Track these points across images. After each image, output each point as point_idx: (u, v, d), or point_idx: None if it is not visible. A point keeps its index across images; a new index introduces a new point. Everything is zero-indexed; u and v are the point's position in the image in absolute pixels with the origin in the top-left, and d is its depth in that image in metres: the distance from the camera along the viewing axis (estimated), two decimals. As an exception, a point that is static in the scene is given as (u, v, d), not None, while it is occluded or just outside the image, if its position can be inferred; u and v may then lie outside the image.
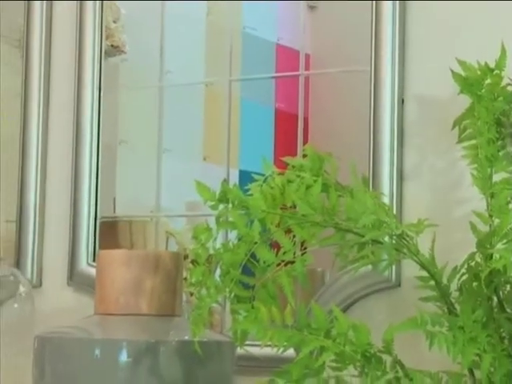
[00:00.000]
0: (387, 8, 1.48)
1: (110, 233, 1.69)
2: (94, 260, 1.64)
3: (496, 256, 1.13)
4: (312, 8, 1.62)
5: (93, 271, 1.54)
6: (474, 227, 1.22)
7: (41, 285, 1.70)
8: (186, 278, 1.35)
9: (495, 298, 1.21)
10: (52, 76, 1.73)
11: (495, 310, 1.21)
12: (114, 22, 1.73)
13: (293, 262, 1.20)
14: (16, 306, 1.57)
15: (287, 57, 1.65)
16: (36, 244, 1.71)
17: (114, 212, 1.71)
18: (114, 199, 1.72)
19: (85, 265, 1.67)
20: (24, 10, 1.74)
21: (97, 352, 1.33)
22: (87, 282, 1.61)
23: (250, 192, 1.20)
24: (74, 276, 1.68)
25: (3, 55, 1.83)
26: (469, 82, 1.26)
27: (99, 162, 1.68)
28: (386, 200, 1.42)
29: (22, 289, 1.58)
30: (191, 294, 1.24)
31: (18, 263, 1.69)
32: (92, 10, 1.69)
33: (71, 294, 1.67)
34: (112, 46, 1.72)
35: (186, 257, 1.36)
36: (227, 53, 1.64)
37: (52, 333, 1.38)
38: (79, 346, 1.35)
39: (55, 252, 1.69)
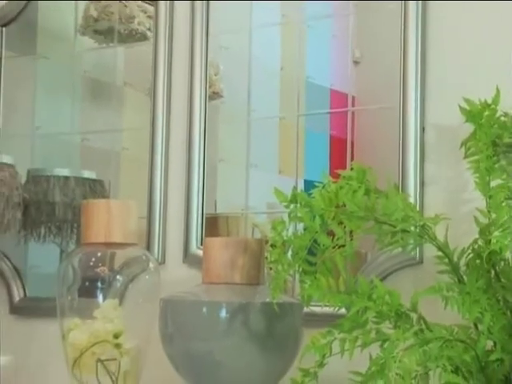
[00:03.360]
0: (411, 61, 1.47)
1: (212, 225, 1.70)
2: (201, 244, 1.65)
3: (493, 241, 1.12)
4: (356, 63, 1.61)
5: (201, 252, 1.55)
6: (477, 220, 1.21)
7: (164, 262, 1.71)
8: (266, 257, 1.35)
9: (493, 272, 1.19)
10: (171, 116, 1.74)
11: (493, 280, 1.19)
12: (215, 75, 1.73)
13: (344, 246, 1.19)
14: (147, 277, 1.58)
15: (338, 98, 1.64)
16: (161, 233, 1.72)
17: (215, 210, 1.72)
18: (215, 201, 1.73)
19: (195, 248, 1.67)
20: (152, 68, 1.75)
21: (204, 310, 1.34)
22: (197, 261, 1.61)
23: (312, 195, 1.20)
24: (187, 256, 1.68)
25: (138, 101, 1.85)
26: (472, 114, 1.25)
27: (205, 175, 1.68)
28: (411, 200, 1.41)
29: (151, 265, 1.59)
30: (270, 269, 1.23)
31: (148, 247, 1.71)
32: (199, 67, 1.70)
33: (186, 269, 1.68)
34: (213, 92, 1.73)
35: (266, 242, 1.36)
36: (295, 95, 1.63)
37: (173, 296, 1.39)
38: (192, 305, 1.36)
39: (174, 239, 1.70)
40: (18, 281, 1.85)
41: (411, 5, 1.48)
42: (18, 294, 1.84)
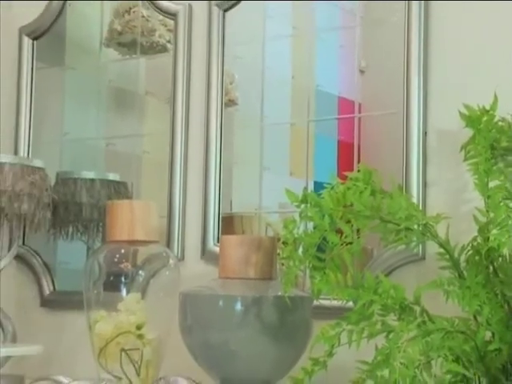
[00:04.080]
0: (414, 70, 1.46)
1: (228, 224, 1.69)
2: (218, 242, 1.64)
3: (492, 238, 1.11)
4: (362, 72, 1.61)
5: (217, 249, 1.55)
6: (476, 219, 1.20)
7: (183, 258, 1.71)
8: (279, 254, 1.34)
9: (491, 267, 1.19)
10: (190, 122, 1.74)
11: (491, 275, 1.18)
12: (230, 83, 1.73)
13: (351, 243, 1.19)
14: (167, 273, 1.58)
15: (345, 105, 1.63)
16: (180, 231, 1.71)
17: (231, 210, 1.71)
18: (231, 201, 1.72)
19: (212, 245, 1.67)
20: (171, 77, 1.75)
21: (220, 303, 1.34)
22: (214, 257, 1.61)
23: (322, 196, 1.19)
24: (205, 252, 1.68)
25: (158, 108, 1.85)
26: (471, 119, 1.24)
27: (221, 177, 1.68)
28: (414, 200, 1.40)
29: (171, 261, 1.59)
30: (282, 265, 1.23)
31: (169, 244, 1.70)
32: (216, 76, 1.70)
33: (203, 265, 1.67)
34: (229, 100, 1.72)
35: (279, 240, 1.35)
36: (305, 102, 1.62)
37: (191, 290, 1.39)
38: (209, 299, 1.36)
39: (193, 236, 1.70)
40: (48, 276, 1.85)
41: (414, 17, 1.47)
42: (48, 288, 1.85)
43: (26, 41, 1.93)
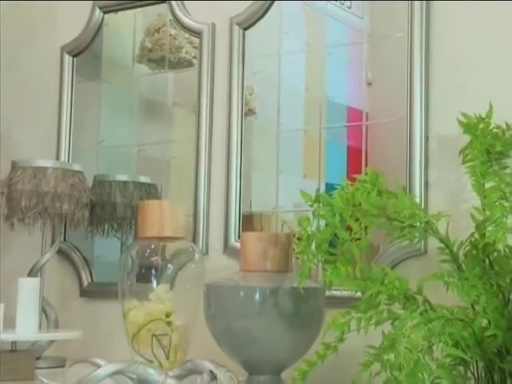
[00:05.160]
0: (417, 81, 1.46)
1: (248, 222, 1.69)
2: (239, 238, 1.64)
3: (488, 234, 1.10)
4: (369, 84, 1.60)
5: (238, 245, 1.55)
6: (473, 217, 1.19)
7: (207, 253, 1.71)
8: (294, 249, 1.34)
9: (487, 260, 1.18)
10: (213, 130, 1.74)
11: (487, 267, 1.18)
12: (250, 94, 1.73)
13: (360, 239, 1.18)
14: (193, 266, 1.58)
15: (354, 114, 1.63)
16: (204, 228, 1.71)
17: (251, 209, 1.71)
18: (250, 201, 1.72)
19: (233, 241, 1.67)
20: (196, 90, 1.75)
21: (241, 293, 1.34)
22: (235, 252, 1.61)
23: (333, 196, 1.19)
24: (227, 248, 1.68)
25: (185, 117, 1.85)
26: (469, 126, 1.23)
27: (241, 179, 1.68)
28: (417, 200, 1.40)
29: (196, 256, 1.59)
30: (297, 259, 1.22)
31: (194, 240, 1.71)
32: (236, 88, 1.70)
33: (225, 259, 1.67)
34: (249, 109, 1.73)
35: (294, 236, 1.35)
36: (317, 111, 1.62)
37: (215, 282, 1.39)
38: (231, 289, 1.36)
39: (216, 233, 1.70)
40: (87, 269, 1.86)
41: (416, 33, 1.47)
42: (86, 280, 1.86)
43: (67, 58, 1.94)
